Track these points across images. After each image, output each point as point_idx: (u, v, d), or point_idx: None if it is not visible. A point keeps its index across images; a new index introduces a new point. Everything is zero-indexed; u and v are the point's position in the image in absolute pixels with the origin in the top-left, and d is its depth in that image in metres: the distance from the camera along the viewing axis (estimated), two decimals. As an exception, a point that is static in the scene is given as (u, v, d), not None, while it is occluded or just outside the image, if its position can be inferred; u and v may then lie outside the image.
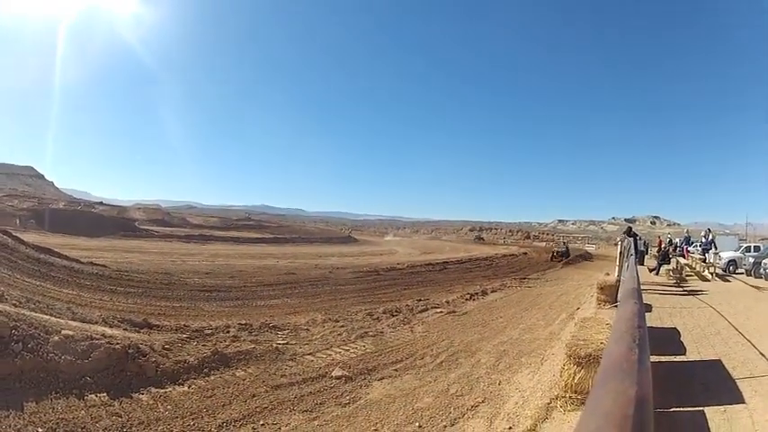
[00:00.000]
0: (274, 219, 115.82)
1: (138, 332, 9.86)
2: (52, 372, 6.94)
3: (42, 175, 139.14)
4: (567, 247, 47.67)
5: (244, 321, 11.94)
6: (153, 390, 7.14)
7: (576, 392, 5.21)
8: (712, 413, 4.59)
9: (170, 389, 7.27)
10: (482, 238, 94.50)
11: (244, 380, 7.98)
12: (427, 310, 14.75)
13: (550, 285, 23.12)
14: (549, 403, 5.99)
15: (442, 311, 14.62)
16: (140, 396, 6.91)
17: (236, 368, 8.41)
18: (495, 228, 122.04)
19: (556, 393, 6.08)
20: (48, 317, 8.84)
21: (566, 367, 5.40)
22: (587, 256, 47.40)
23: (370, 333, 11.47)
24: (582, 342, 5.33)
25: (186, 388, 7.41)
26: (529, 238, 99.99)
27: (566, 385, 5.38)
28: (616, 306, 8.63)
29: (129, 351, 7.84)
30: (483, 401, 7.13)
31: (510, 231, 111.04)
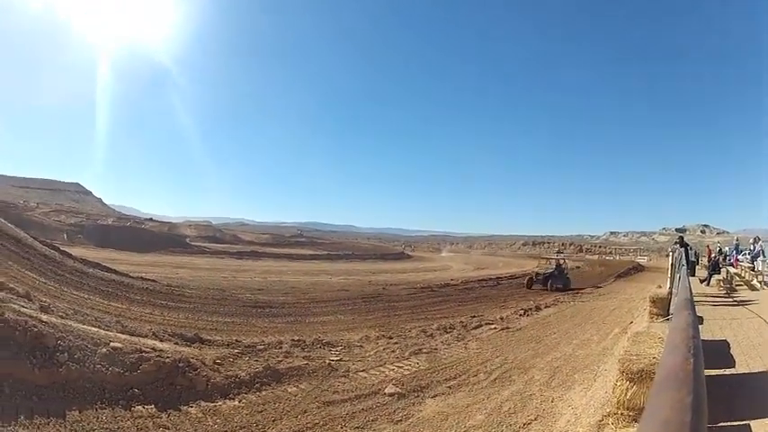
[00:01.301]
0: (327, 235, 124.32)
1: (189, 347, 11.22)
2: (98, 382, 8.19)
3: (90, 192, 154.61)
4: (561, 269, 35.84)
5: (297, 337, 13.50)
6: (203, 403, 8.35)
7: (627, 409, 5.87)
8: (758, 427, 5.08)
9: (220, 403, 8.49)
10: (561, 252, 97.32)
11: (295, 395, 9.13)
12: (481, 326, 16.58)
13: (603, 299, 25.98)
14: (600, 420, 6.92)
15: (495, 327, 16.38)
16: (189, 409, 8.09)
17: (288, 384, 9.63)
18: (547, 242, 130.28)
19: (608, 410, 6.86)
20: (96, 329, 10.21)
21: (618, 383, 6.03)
22: (639, 268, 52.40)
23: (424, 350, 12.91)
24: (634, 357, 5.93)
25: (237, 402, 8.61)
26: (581, 251, 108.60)
27: (618, 402, 6.02)
28: (668, 319, 9.44)
29: (180, 365, 9.10)
30: (535, 419, 8.07)
31: (563, 245, 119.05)
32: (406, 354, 12.37)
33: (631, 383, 5.78)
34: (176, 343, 11.39)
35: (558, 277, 34.54)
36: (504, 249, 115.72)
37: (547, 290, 32.16)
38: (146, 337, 11.19)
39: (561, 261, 37.65)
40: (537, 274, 35.70)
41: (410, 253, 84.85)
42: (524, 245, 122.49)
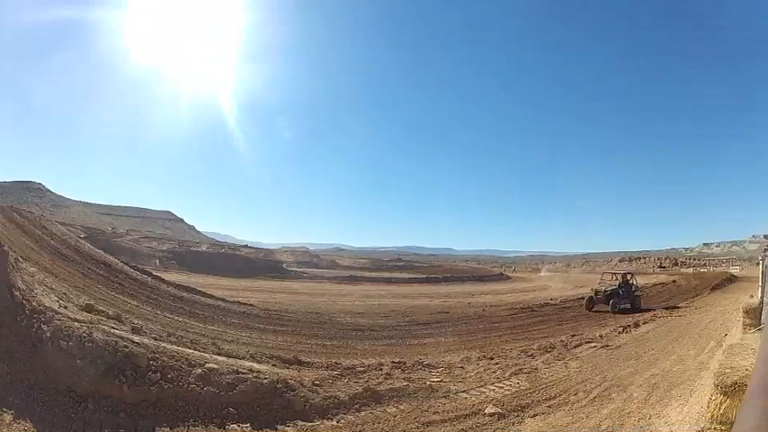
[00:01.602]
0: (425, 259, 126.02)
1: (288, 368, 11.27)
2: (192, 401, 8.40)
3: (182, 219, 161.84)
4: (627, 286, 30.94)
5: (397, 359, 13.53)
6: (300, 423, 8.46)
7: (721, 423, 5.78)
8: None
9: (318, 423, 8.59)
10: (664, 267, 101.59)
11: (395, 416, 9.17)
12: (581, 345, 16.56)
13: (699, 313, 25.89)
14: None
15: (595, 346, 16.36)
16: (286, 428, 8.25)
17: (388, 405, 9.67)
18: (643, 257, 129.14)
19: (702, 426, 6.67)
20: (191, 351, 10.41)
21: (712, 397, 5.97)
22: (732, 279, 51.14)
23: (525, 370, 12.84)
24: (728, 370, 5.91)
25: (335, 422, 8.73)
26: (677, 264, 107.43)
27: (712, 416, 5.94)
28: (760, 329, 9.40)
29: (278, 386, 9.15)
30: None
31: (658, 259, 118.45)
32: (507, 374, 12.39)
33: (725, 397, 5.80)
34: (274, 365, 11.46)
35: (624, 296, 29.86)
36: (602, 266, 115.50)
37: (609, 312, 27.48)
38: (243, 358, 11.32)
39: (628, 276, 32.05)
40: (597, 292, 30.09)
41: (509, 274, 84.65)
42: (621, 261, 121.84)
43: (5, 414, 7.45)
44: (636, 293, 31.16)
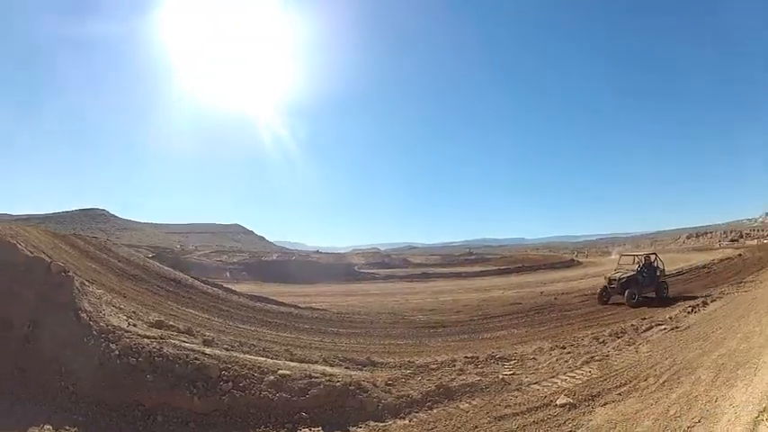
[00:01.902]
0: (496, 250, 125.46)
1: (361, 370, 11.45)
2: (264, 408, 8.66)
3: (251, 231, 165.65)
4: (651, 269, 26.57)
5: (470, 354, 13.59)
6: (372, 423, 8.64)
7: None
8: None
9: (390, 422, 8.76)
10: (735, 240, 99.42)
11: (467, 412, 9.25)
12: (651, 328, 16.45)
13: (765, 287, 25.03)
14: (756, 417, 7.11)
15: (665, 328, 16.24)
16: (357, 429, 8.45)
17: (461, 400, 9.75)
18: (710, 231, 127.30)
19: (763, 406, 7.21)
20: (263, 359, 10.67)
21: None
22: None
23: (596, 357, 12.80)
24: None
25: (407, 421, 8.87)
26: (741, 237, 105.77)
27: None
28: None
29: (350, 388, 9.31)
30: (699, 421, 7.94)
31: (724, 233, 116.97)
32: (579, 363, 12.42)
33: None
34: (347, 367, 11.63)
35: (646, 282, 25.57)
36: (671, 245, 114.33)
37: (626, 303, 23.71)
38: (315, 363, 11.50)
39: (651, 258, 27.20)
40: (611, 280, 25.57)
41: (580, 259, 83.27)
42: (688, 238, 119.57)
43: (68, 431, 7.75)
44: (661, 279, 26.64)
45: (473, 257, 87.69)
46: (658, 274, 26.75)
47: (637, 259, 27.79)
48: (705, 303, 20.71)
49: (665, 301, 24.47)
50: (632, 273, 25.77)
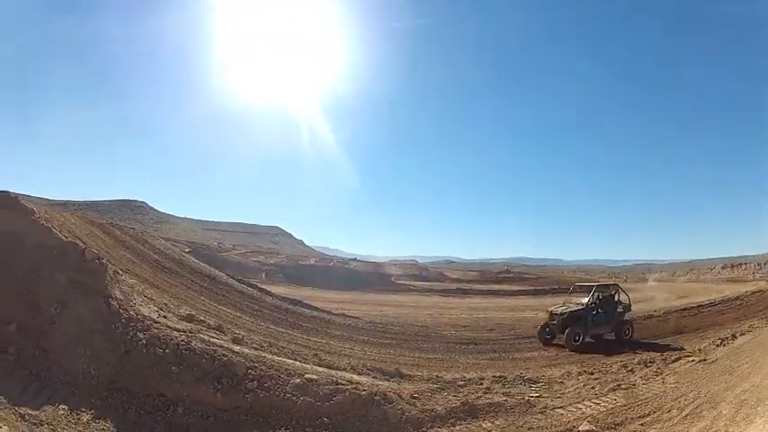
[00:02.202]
0: (533, 270, 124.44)
1: (388, 381, 11.38)
2: (287, 410, 8.68)
3: (290, 234, 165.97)
4: (611, 305, 21.82)
5: (498, 374, 13.59)
6: None
7: None
8: None
9: None
10: None
11: (489, 431, 9.21)
12: (680, 359, 16.05)
13: None
14: None
15: (693, 360, 15.94)
16: None
17: (484, 419, 9.68)
18: (745, 262, 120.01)
19: None
20: (291, 361, 10.76)
21: None
22: None
23: (623, 385, 12.60)
24: None
25: None
26: None
27: None
28: None
29: (376, 397, 9.29)
30: None
31: (758, 265, 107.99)
32: (605, 390, 12.30)
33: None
34: (374, 377, 11.61)
35: (599, 321, 21.02)
36: (706, 274, 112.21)
37: (575, 343, 19.60)
38: (343, 370, 11.52)
39: (611, 290, 22.77)
40: (553, 315, 20.95)
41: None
42: (723, 268, 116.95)
43: (84, 414, 7.89)
44: (622, 316, 21.91)
45: (510, 276, 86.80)
46: (620, 310, 21.84)
47: (599, 292, 22.51)
48: (734, 337, 20.18)
49: (624, 344, 20.19)
50: (578, 307, 21.02)
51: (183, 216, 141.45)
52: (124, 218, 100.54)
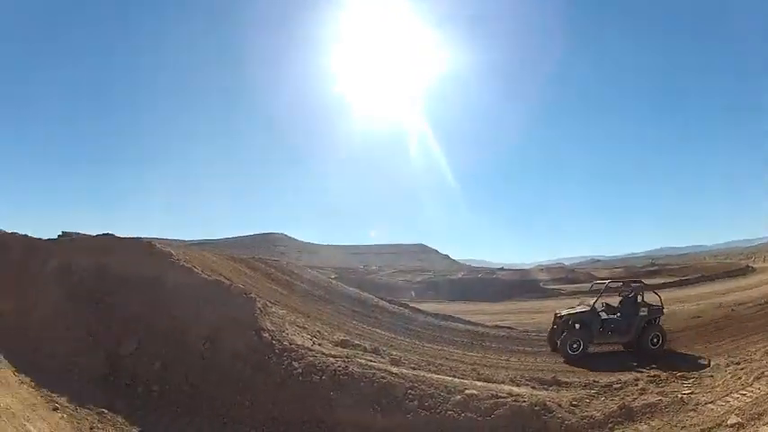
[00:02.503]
0: (676, 260, 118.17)
1: (547, 390, 11.32)
2: (448, 428, 8.72)
3: (435, 250, 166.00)
4: (632, 308, 18.05)
5: (653, 373, 13.22)
6: None
7: None
8: None
9: None
10: None
11: None
12: None
13: None
14: None
15: None
16: None
17: (640, 422, 9.41)
18: None
19: None
20: (450, 378, 10.79)
21: None
22: None
23: (766, 373, 11.76)
24: None
25: None
26: None
27: None
28: None
29: (536, 408, 9.13)
30: None
31: None
32: (750, 379, 11.48)
33: None
34: (533, 387, 11.52)
35: (614, 327, 17.71)
36: None
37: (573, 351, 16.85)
38: (502, 383, 11.45)
39: (631, 290, 19.12)
40: (559, 317, 18.15)
41: (755, 265, 76.32)
42: None
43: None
44: (646, 322, 17.78)
45: (654, 268, 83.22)
46: (642, 314, 17.84)
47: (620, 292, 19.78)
48: None
49: (649, 357, 16.53)
50: (585, 310, 18.09)
51: (324, 243, 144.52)
52: (266, 251, 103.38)
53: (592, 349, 17.28)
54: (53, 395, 10.11)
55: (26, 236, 23.66)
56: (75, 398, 10.06)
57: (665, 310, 18.60)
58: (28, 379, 10.95)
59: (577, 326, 17.34)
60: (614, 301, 18.80)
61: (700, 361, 15.30)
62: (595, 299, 18.18)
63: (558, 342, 17.21)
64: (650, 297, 18.57)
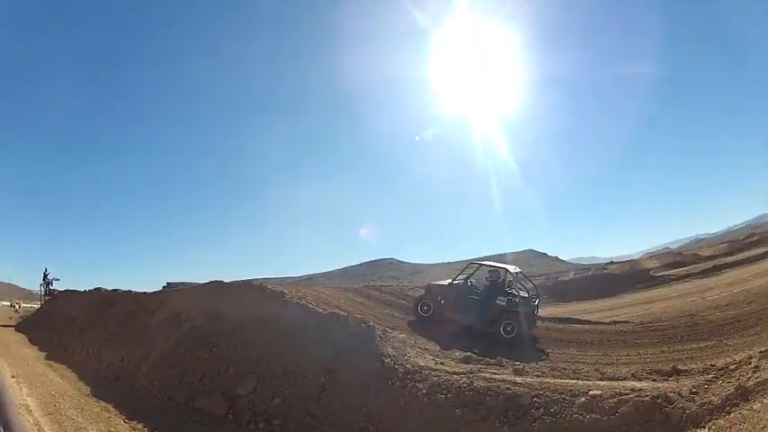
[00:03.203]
0: None
1: (666, 380, 11.10)
2: (574, 431, 8.79)
3: (544, 254, 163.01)
4: (495, 290, 18.20)
5: (763, 348, 12.40)
6: None
7: None
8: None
9: None
10: None
11: (758, 412, 8.61)
12: None
13: None
14: None
15: None
16: None
17: (754, 400, 9.05)
18: None
19: None
20: (573, 381, 10.73)
21: None
22: None
23: None
24: None
25: (706, 431, 8.57)
26: None
27: None
28: None
29: (658, 401, 9.09)
30: None
31: None
32: None
33: None
34: (654, 379, 11.37)
35: (456, 302, 18.05)
36: None
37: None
38: (624, 379, 11.38)
39: (501, 275, 18.69)
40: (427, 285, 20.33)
41: None
42: None
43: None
44: (505, 309, 17.71)
45: (755, 239, 78.76)
46: (499, 302, 17.83)
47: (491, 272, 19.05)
48: None
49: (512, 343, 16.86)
50: (448, 282, 19.00)
51: (434, 262, 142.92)
52: (377, 277, 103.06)
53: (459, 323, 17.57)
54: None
55: (130, 291, 25.57)
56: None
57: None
58: (140, 425, 11.82)
59: (440, 297, 18.41)
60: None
61: None
62: (465, 275, 19.04)
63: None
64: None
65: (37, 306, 50.89)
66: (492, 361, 12.56)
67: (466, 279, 18.98)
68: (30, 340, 27.65)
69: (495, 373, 11.04)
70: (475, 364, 12.10)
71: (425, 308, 18.42)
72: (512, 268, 19.39)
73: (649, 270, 58.49)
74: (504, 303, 17.73)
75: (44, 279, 49.18)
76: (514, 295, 18.19)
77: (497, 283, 18.57)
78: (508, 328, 17.58)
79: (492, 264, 19.59)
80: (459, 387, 9.98)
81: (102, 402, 13.90)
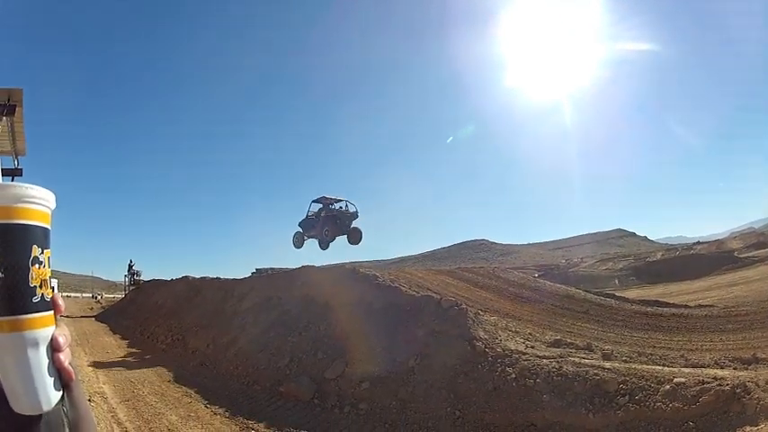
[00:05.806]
0: None
1: (746, 369, 10.33)
2: (654, 421, 8.26)
3: (633, 233, 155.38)
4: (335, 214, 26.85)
5: None
6: (747, 428, 7.72)
7: None
8: None
9: (762, 426, 7.73)
10: None
11: None
12: None
13: None
14: None
15: None
16: None
17: None
18: None
19: None
20: (660, 367, 10.16)
21: None
22: None
23: None
24: None
25: None
26: None
27: None
28: None
29: (737, 391, 8.38)
30: None
31: None
32: None
33: None
34: (735, 367, 10.67)
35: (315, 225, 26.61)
36: None
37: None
38: (707, 366, 10.71)
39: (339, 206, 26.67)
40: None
41: None
42: None
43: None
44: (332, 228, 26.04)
45: None
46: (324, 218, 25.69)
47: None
48: None
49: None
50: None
51: (525, 243, 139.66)
52: (468, 259, 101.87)
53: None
54: (249, 422, 10.66)
55: (218, 278, 26.04)
56: (273, 423, 10.57)
57: None
58: (221, 410, 11.54)
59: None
60: None
61: None
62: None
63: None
64: None
65: (120, 296, 51.85)
66: (581, 345, 12.10)
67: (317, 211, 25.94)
68: (111, 329, 28.09)
69: (584, 358, 10.65)
70: (564, 348, 11.68)
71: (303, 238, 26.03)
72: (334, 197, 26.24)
73: (734, 251, 55.13)
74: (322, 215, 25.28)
75: (129, 269, 50.06)
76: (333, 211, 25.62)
77: (327, 207, 25.67)
78: (325, 239, 25.02)
79: (324, 196, 26.43)
80: (549, 372, 9.68)
81: (184, 387, 13.78)
